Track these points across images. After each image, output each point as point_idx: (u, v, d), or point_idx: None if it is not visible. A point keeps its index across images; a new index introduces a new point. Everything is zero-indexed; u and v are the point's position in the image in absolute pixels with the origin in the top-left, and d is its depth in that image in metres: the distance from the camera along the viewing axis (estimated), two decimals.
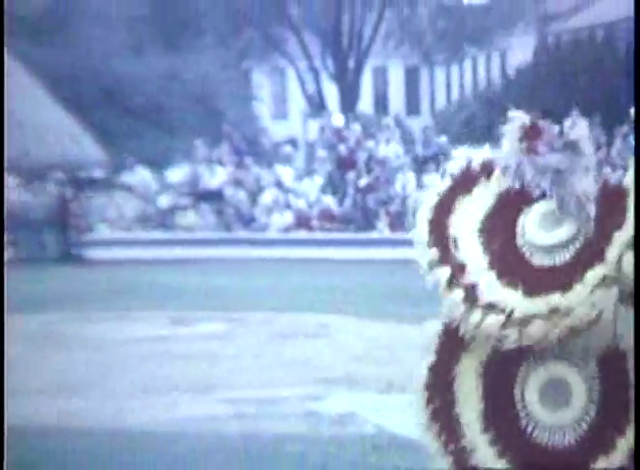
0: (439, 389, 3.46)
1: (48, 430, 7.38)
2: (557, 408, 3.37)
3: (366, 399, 8.40)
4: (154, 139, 26.89)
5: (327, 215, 22.11)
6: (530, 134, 3.47)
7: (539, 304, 3.26)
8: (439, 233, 3.50)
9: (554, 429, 3.36)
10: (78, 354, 10.52)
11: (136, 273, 17.78)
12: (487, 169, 3.56)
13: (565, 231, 3.37)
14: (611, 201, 3.39)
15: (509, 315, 3.26)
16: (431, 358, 3.49)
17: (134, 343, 11.17)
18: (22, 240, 21.01)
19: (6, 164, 23.89)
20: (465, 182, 3.55)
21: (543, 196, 3.43)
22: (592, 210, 3.34)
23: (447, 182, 3.56)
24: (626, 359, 3.31)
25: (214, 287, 15.75)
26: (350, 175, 22.54)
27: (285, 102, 40.54)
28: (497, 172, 3.53)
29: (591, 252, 3.31)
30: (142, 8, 31.96)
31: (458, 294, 3.36)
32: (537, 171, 3.44)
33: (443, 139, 24.15)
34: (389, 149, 23.52)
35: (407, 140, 25.06)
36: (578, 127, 3.44)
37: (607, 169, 3.61)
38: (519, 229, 3.43)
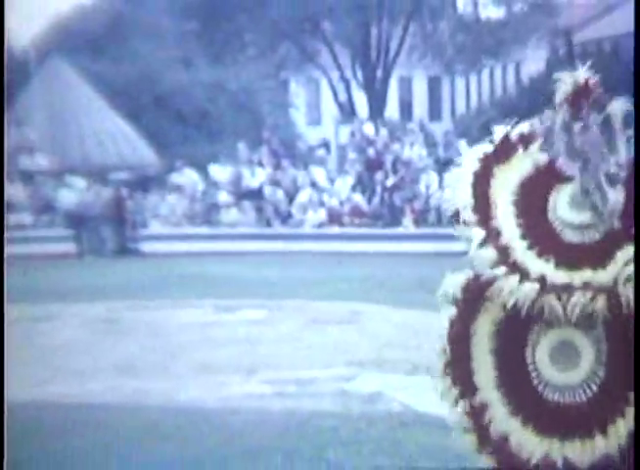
0: (457, 341, 3.31)
1: (110, 407, 7.45)
2: (566, 369, 3.26)
3: (393, 379, 8.35)
4: (201, 143, 26.95)
5: (357, 212, 22.09)
6: (581, 92, 3.30)
7: (572, 276, 3.17)
8: (480, 198, 3.32)
9: (564, 389, 3.25)
10: (135, 339, 10.54)
11: (185, 265, 17.81)
12: (526, 141, 3.42)
13: (588, 214, 3.25)
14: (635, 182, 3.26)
15: (544, 283, 3.15)
16: (452, 311, 3.33)
17: (184, 328, 11.18)
18: (84, 236, 21.14)
19: (68, 167, 24.11)
20: (504, 150, 3.40)
21: (570, 177, 3.29)
22: (612, 197, 3.20)
23: (488, 148, 3.40)
24: (630, 322, 3.18)
25: (255, 277, 15.77)
26: (378, 176, 22.51)
27: (318, 109, 40.46)
28: (535, 145, 3.38)
29: (619, 233, 3.21)
30: (191, 24, 32.06)
31: (490, 253, 3.20)
32: (568, 152, 3.27)
33: (463, 142, 24.05)
34: (414, 151, 23.44)
35: (430, 143, 24.93)
36: (615, 103, 3.29)
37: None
38: (550, 204, 3.30)
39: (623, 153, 3.30)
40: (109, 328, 11.22)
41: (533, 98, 27.79)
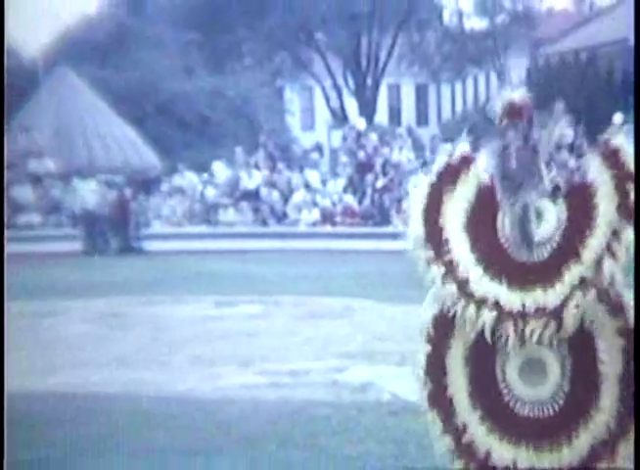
0: (434, 372, 3.41)
1: (111, 397, 7.42)
2: (535, 385, 3.32)
3: (383, 370, 8.33)
4: (200, 147, 26.97)
5: (349, 212, 22.10)
6: (515, 110, 3.42)
7: (523, 298, 3.21)
8: (432, 230, 3.41)
9: (534, 403, 3.33)
10: (137, 332, 10.54)
11: (185, 262, 17.84)
12: (467, 162, 3.48)
13: (541, 231, 3.28)
14: (578, 199, 3.29)
15: (500, 310, 3.20)
16: (427, 347, 3.42)
17: (184, 322, 11.18)
18: (89, 235, 21.13)
19: (75, 171, 24.06)
20: (449, 177, 3.45)
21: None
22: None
23: (433, 179, 3.47)
24: (593, 338, 3.26)
25: (252, 274, 15.76)
26: (369, 178, 22.52)
27: (312, 115, 40.53)
28: (475, 167, 3.45)
29: (566, 251, 3.24)
30: (192, 35, 32.07)
31: (451, 288, 3.29)
32: (501, 177, 3.34)
33: (449, 146, 24.00)
34: (402, 155, 23.47)
35: (417, 147, 24.98)
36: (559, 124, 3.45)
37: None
38: (499, 224, 3.34)
39: (546, 183, 3.30)
40: (112, 322, 11.22)
41: None
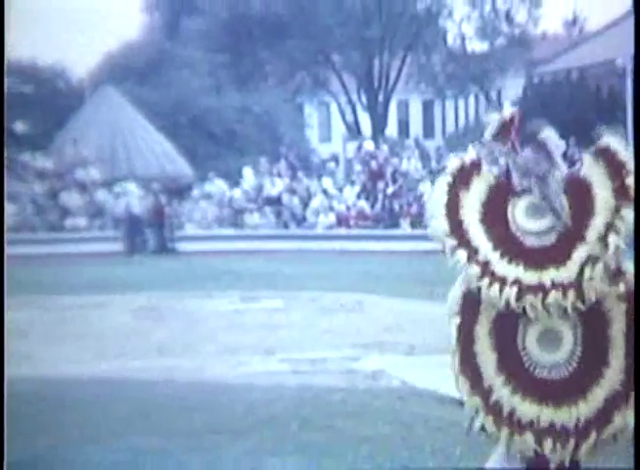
0: (464, 343, 3.52)
1: (148, 383, 7.43)
2: (551, 351, 3.46)
3: (393, 359, 8.32)
4: (229, 157, 26.99)
5: (362, 216, 22.09)
6: (507, 126, 3.61)
7: (540, 276, 3.39)
8: (454, 224, 3.52)
9: (551, 367, 3.46)
10: (171, 324, 10.56)
11: (214, 262, 17.85)
12: (477, 165, 3.62)
13: (547, 220, 3.48)
14: (578, 192, 3.50)
15: (520, 286, 3.36)
16: (457, 320, 3.53)
17: (213, 315, 11.19)
18: (129, 236, 21.19)
19: (116, 179, 24.09)
20: (463, 178, 3.60)
21: (524, 191, 3.53)
22: (566, 204, 3.46)
23: (449, 179, 3.60)
24: (600, 306, 3.41)
25: (274, 272, 15.75)
26: (380, 185, 22.49)
27: (329, 128, 40.47)
28: (484, 169, 3.60)
29: (571, 235, 3.44)
30: (221, 57, 32.12)
31: (475, 269, 3.43)
32: (519, 172, 3.53)
33: (452, 156, 24.03)
34: (410, 164, 23.46)
35: (424, 157, 24.93)
36: (547, 130, 3.59)
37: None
38: (510, 217, 3.51)
39: (563, 168, 3.54)
40: (149, 315, 11.24)
41: None
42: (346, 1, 33.65)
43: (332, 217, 22.09)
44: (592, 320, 3.43)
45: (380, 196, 22.34)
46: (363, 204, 22.29)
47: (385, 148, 24.19)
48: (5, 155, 24.61)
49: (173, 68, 30.54)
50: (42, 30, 34.29)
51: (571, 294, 3.35)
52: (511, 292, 3.36)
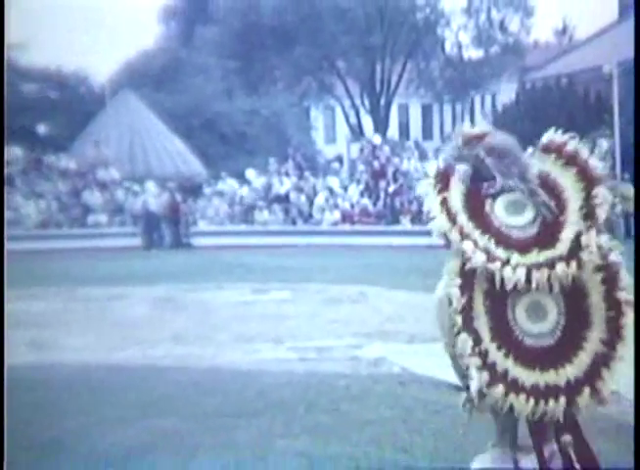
0: (464, 310, 3.60)
1: (166, 369, 7.44)
2: (538, 322, 3.57)
3: (394, 347, 8.30)
4: (240, 158, 26.98)
5: (365, 213, 22.08)
6: (474, 139, 3.81)
7: (531, 257, 3.53)
8: (451, 221, 3.65)
9: (538, 335, 3.57)
10: (187, 314, 10.57)
11: (226, 256, 17.86)
12: (451, 170, 3.80)
13: (527, 215, 3.63)
14: (547, 186, 3.67)
15: (528, 267, 3.49)
16: (458, 280, 3.60)
17: (226, 306, 11.18)
18: (147, 232, 21.22)
19: (134, 178, 24.11)
20: (443, 181, 3.76)
21: (503, 191, 3.66)
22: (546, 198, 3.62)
23: (431, 182, 3.77)
24: (579, 281, 3.54)
25: (282, 265, 15.73)
26: (382, 184, 22.49)
27: (334, 130, 40.43)
28: (454, 177, 3.77)
29: (553, 223, 3.61)
30: (231, 63, 32.09)
31: (468, 244, 3.56)
32: (501, 174, 3.66)
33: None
34: (410, 164, 23.43)
35: (423, 158, 24.83)
36: (499, 136, 3.81)
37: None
38: (491, 215, 3.65)
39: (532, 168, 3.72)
40: (166, 306, 11.24)
41: (505, 122, 27.71)
42: (350, 11, 33.59)
43: (337, 214, 22.09)
44: (573, 293, 3.55)
45: (382, 194, 22.33)
46: (366, 201, 22.29)
47: (386, 149, 24.14)
48: (31, 156, 24.50)
49: (188, 74, 30.52)
50: (66, 40, 34.37)
51: (560, 265, 3.48)
52: (521, 272, 3.47)
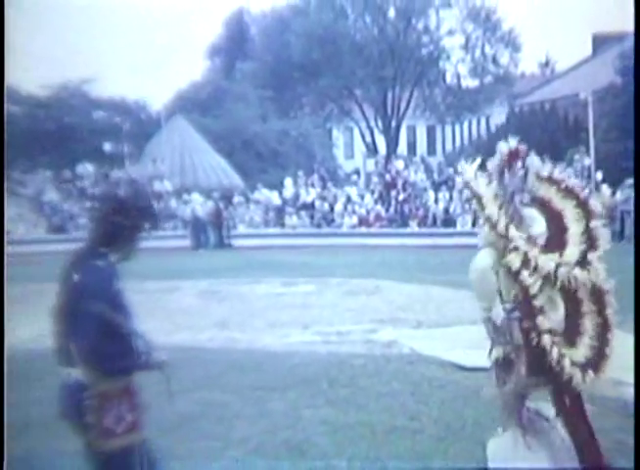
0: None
1: (211, 351, 7.47)
2: (551, 312, 3.47)
3: (404, 332, 8.29)
4: (273, 172, 27.03)
5: (378, 218, 22.03)
6: (511, 157, 3.62)
7: (551, 257, 3.44)
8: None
9: (553, 323, 3.48)
10: (229, 304, 10.59)
11: (261, 254, 17.86)
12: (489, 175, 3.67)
13: (539, 227, 3.54)
14: (552, 215, 3.60)
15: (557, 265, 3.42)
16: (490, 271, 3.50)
17: (260, 297, 11.19)
18: (195, 235, 21.31)
19: (184, 189, 24.20)
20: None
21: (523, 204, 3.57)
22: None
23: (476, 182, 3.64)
24: (575, 290, 3.48)
25: (309, 262, 15.72)
26: (393, 193, 22.43)
27: (352, 148, 40.33)
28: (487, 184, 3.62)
29: (554, 242, 3.53)
30: (266, 92, 32.15)
31: (495, 236, 3.47)
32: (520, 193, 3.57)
33: (451, 170, 23.89)
34: (417, 176, 23.34)
35: (428, 171, 24.78)
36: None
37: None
38: (519, 213, 3.54)
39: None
40: (211, 297, 11.28)
41: (498, 140, 27.55)
42: (366, 48, 33.59)
43: (354, 219, 22.07)
44: (571, 297, 3.49)
45: (393, 202, 22.28)
46: (379, 208, 22.25)
47: (396, 163, 24.12)
48: (100, 171, 24.60)
49: (229, 101, 30.63)
50: (129, 75, 34.64)
51: (579, 271, 3.43)
52: (551, 267, 3.40)
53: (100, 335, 2.90)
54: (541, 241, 3.52)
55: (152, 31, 38.29)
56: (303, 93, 34.69)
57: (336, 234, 21.14)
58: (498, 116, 33.69)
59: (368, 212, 22.21)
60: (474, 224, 20.26)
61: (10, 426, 4.86)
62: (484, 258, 3.55)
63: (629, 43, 24.61)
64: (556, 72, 38.00)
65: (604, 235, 3.55)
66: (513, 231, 3.46)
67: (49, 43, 30.04)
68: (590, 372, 3.43)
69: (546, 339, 3.39)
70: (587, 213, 3.60)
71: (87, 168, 24.06)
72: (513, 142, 3.67)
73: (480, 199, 3.57)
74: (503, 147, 3.65)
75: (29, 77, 31.60)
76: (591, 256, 3.49)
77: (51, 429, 5.04)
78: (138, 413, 2.99)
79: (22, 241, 20.25)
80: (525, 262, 3.42)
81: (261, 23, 35.84)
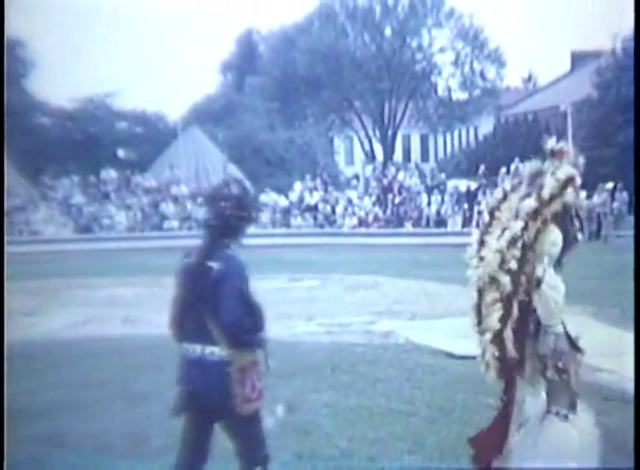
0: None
1: None
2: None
3: (399, 323, 8.30)
4: (280, 177, 27.04)
5: (376, 219, 22.02)
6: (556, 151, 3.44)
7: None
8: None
9: None
10: None
11: (270, 252, 17.78)
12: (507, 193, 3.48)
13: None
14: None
15: None
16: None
17: (268, 291, 11.08)
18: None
19: (199, 193, 24.19)
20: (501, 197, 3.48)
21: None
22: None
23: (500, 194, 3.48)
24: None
25: (313, 260, 15.71)
26: (389, 196, 22.40)
27: (352, 155, 40.32)
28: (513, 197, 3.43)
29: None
30: (273, 104, 32.17)
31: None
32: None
33: (442, 175, 23.90)
34: (412, 181, 23.31)
35: (422, 176, 24.76)
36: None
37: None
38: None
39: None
40: None
41: (485, 148, 27.57)
42: (365, 64, 33.61)
43: (354, 220, 22.06)
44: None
45: (389, 204, 22.26)
46: (377, 210, 22.23)
47: (392, 169, 24.12)
48: (122, 177, 24.56)
49: (240, 113, 30.64)
50: (149, 88, 34.68)
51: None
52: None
53: (243, 311, 3.20)
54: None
55: (170, 49, 38.49)
56: (308, 105, 34.70)
57: (337, 234, 21.11)
58: (486, 126, 33.68)
59: (367, 214, 22.20)
60: (463, 225, 20.33)
61: (35, 407, 4.89)
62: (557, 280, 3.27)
63: (605, 60, 24.66)
64: (538, 86, 37.95)
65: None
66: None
67: (77, 61, 30.16)
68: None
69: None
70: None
71: (110, 174, 24.10)
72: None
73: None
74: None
75: (59, 92, 31.77)
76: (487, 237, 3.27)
77: (75, 409, 5.09)
78: (261, 381, 3.24)
79: (52, 240, 20.34)
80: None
81: (269, 42, 35.86)
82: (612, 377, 5.25)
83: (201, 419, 3.20)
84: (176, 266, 3.36)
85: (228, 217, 3.29)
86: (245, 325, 3.19)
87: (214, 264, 3.24)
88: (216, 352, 3.17)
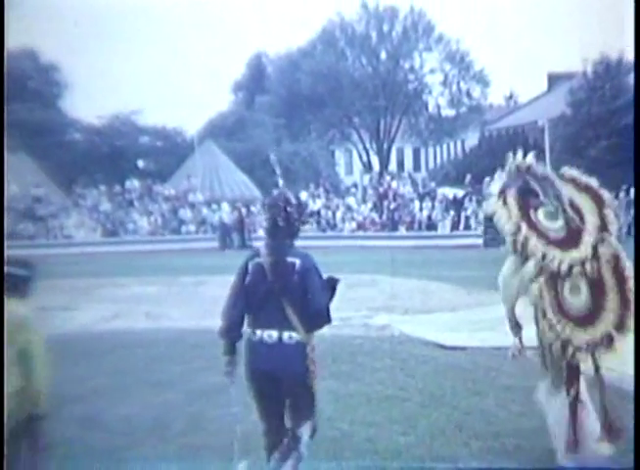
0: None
1: None
2: (575, 297, 3.46)
3: (395, 317, 8.28)
4: (286, 186, 26.94)
5: (373, 223, 22.01)
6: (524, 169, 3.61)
7: (566, 255, 3.41)
8: (514, 224, 3.51)
9: (578, 306, 3.47)
10: None
11: None
12: (505, 193, 3.61)
13: (559, 222, 3.49)
14: (574, 210, 3.55)
15: (570, 262, 3.41)
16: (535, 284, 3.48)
17: None
18: (222, 237, 21.31)
19: (213, 200, 24.19)
20: (502, 198, 3.59)
21: (541, 204, 3.53)
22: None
23: (495, 200, 3.60)
24: (599, 274, 3.45)
25: (316, 260, 15.69)
26: (385, 203, 22.40)
27: (351, 166, 40.26)
28: (510, 194, 3.56)
29: (574, 231, 3.48)
30: (280, 120, 32.25)
31: (535, 245, 3.44)
32: (544, 193, 3.52)
33: (433, 184, 23.91)
34: (405, 189, 23.31)
35: (414, 185, 24.73)
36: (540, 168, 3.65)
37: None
38: (536, 221, 3.49)
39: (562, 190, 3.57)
40: None
41: (471, 160, 27.59)
42: (362, 83, 33.71)
43: (354, 224, 22.04)
44: (597, 282, 3.45)
45: (385, 210, 22.24)
46: (374, 215, 22.23)
47: (388, 178, 24.12)
48: (144, 186, 24.57)
49: (250, 128, 30.69)
50: (168, 106, 34.93)
51: (588, 264, 3.39)
52: (565, 266, 3.38)
53: (326, 300, 3.44)
54: (560, 234, 3.44)
55: (187, 72, 38.66)
56: (311, 121, 34.75)
57: (338, 237, 21.09)
58: (472, 139, 33.67)
59: (365, 219, 22.19)
60: (452, 229, 20.33)
61: (74, 393, 4.90)
62: (507, 267, 3.52)
63: (577, 81, 24.73)
64: (518, 104, 37.95)
65: (614, 220, 3.50)
66: (532, 241, 3.40)
67: (104, 82, 30.32)
68: (603, 346, 3.37)
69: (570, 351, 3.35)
70: (601, 203, 3.54)
71: (134, 183, 24.19)
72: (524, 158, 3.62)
73: (499, 218, 3.50)
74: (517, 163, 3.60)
75: (88, 110, 31.93)
76: (606, 235, 3.43)
77: (106, 395, 5.11)
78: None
79: (83, 243, 20.46)
80: (542, 268, 3.37)
81: (276, 64, 35.94)
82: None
83: (275, 393, 3.33)
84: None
85: (294, 221, 3.50)
86: (328, 311, 3.42)
87: (296, 260, 3.43)
88: (294, 335, 3.34)
